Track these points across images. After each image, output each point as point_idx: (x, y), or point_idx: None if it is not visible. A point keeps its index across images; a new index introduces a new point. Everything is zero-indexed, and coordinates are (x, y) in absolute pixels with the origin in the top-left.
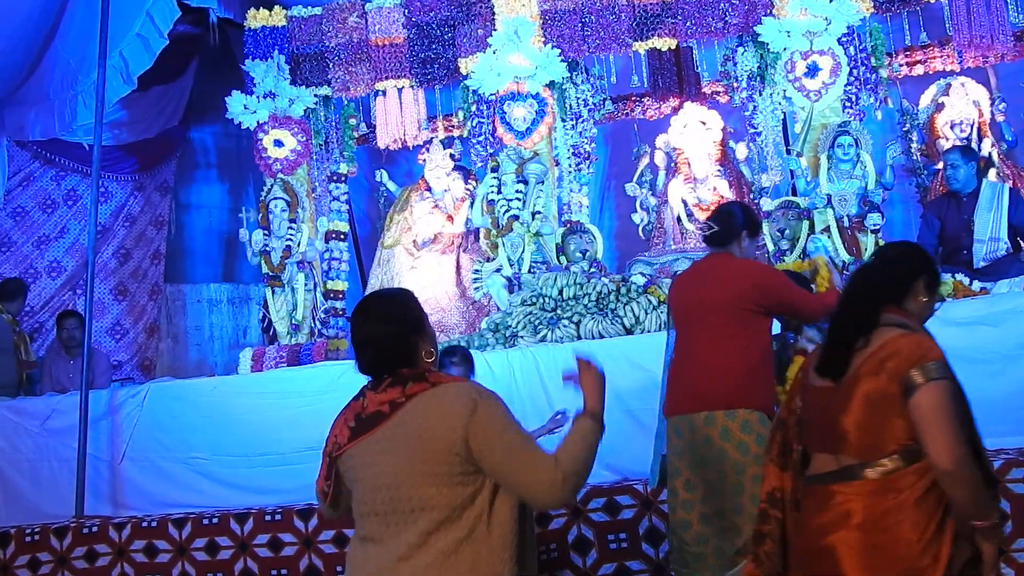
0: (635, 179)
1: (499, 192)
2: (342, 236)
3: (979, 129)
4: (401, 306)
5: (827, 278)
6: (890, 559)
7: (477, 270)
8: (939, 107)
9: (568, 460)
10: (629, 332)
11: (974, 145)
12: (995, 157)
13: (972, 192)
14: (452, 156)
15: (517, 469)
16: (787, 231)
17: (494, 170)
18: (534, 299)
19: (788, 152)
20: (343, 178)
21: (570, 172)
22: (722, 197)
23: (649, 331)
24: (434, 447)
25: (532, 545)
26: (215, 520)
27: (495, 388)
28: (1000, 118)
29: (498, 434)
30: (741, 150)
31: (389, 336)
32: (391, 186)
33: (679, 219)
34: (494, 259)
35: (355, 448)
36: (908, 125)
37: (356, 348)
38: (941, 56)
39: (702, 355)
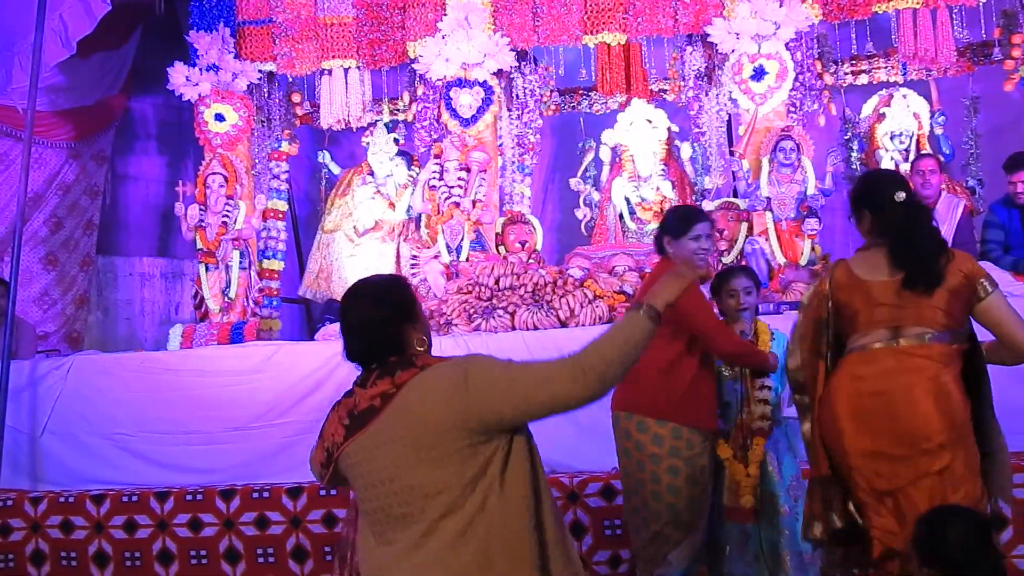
0: (579, 174)
1: (441, 179)
2: (280, 216)
3: (918, 141)
4: (394, 292)
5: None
6: (952, 408)
7: (415, 256)
8: (880, 117)
9: (594, 350)
10: (564, 325)
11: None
12: None
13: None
14: (396, 140)
15: (534, 392)
16: (726, 232)
17: (437, 156)
18: (470, 288)
19: (731, 154)
20: (284, 157)
21: (513, 162)
22: (664, 197)
23: (584, 324)
24: (437, 429)
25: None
26: (134, 498)
27: None
28: (939, 131)
29: (499, 386)
30: (686, 150)
31: (381, 322)
32: (333, 168)
33: (621, 216)
34: (433, 247)
35: (352, 447)
36: (849, 134)
37: (346, 333)
38: (886, 67)
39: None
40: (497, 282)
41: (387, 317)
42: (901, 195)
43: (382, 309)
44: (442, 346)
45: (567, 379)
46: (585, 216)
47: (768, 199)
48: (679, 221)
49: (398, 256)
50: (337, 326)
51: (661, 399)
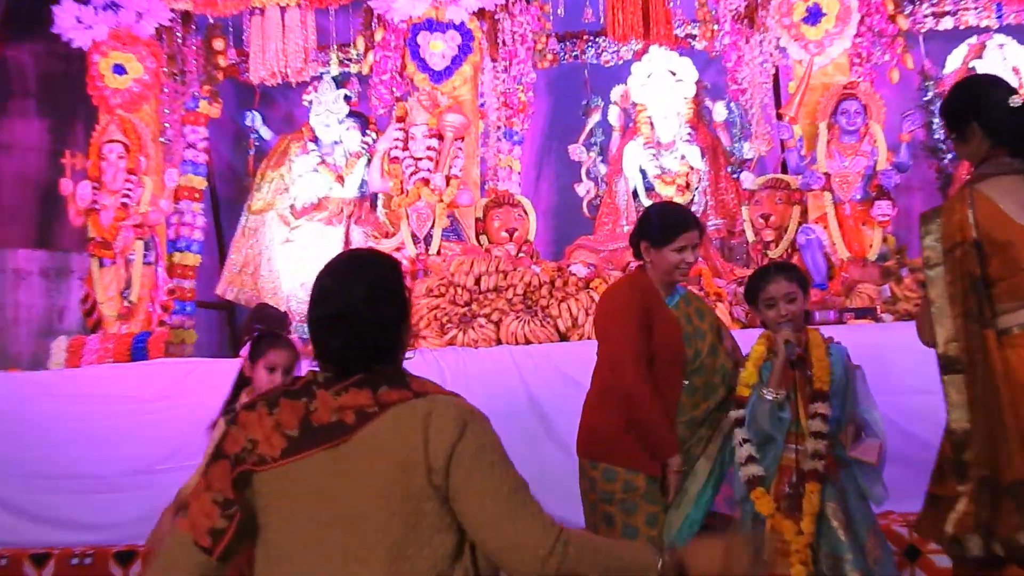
0: (581, 140)
1: (405, 148)
2: (197, 195)
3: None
4: (396, 275)
5: (759, 353)
6: None
7: (371, 246)
8: (969, 72)
9: (579, 546)
10: (564, 338)
11: None
12: None
13: None
14: (347, 98)
15: (499, 520)
16: (772, 218)
17: (400, 120)
18: (443, 289)
19: (779, 117)
20: (203, 120)
21: (499, 128)
22: (691, 169)
23: (590, 337)
24: (413, 477)
25: None
26: (2, 561)
27: None
28: None
29: (485, 468)
30: (719, 111)
31: (379, 313)
32: (265, 133)
33: (635, 194)
34: (394, 235)
35: (295, 465)
36: (931, 93)
37: (318, 323)
38: (976, 8)
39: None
40: (477, 282)
41: (387, 308)
42: (1017, 99)
43: (381, 296)
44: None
45: (531, 549)
46: (589, 194)
47: (827, 175)
48: (663, 227)
49: (347, 243)
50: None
51: (588, 435)
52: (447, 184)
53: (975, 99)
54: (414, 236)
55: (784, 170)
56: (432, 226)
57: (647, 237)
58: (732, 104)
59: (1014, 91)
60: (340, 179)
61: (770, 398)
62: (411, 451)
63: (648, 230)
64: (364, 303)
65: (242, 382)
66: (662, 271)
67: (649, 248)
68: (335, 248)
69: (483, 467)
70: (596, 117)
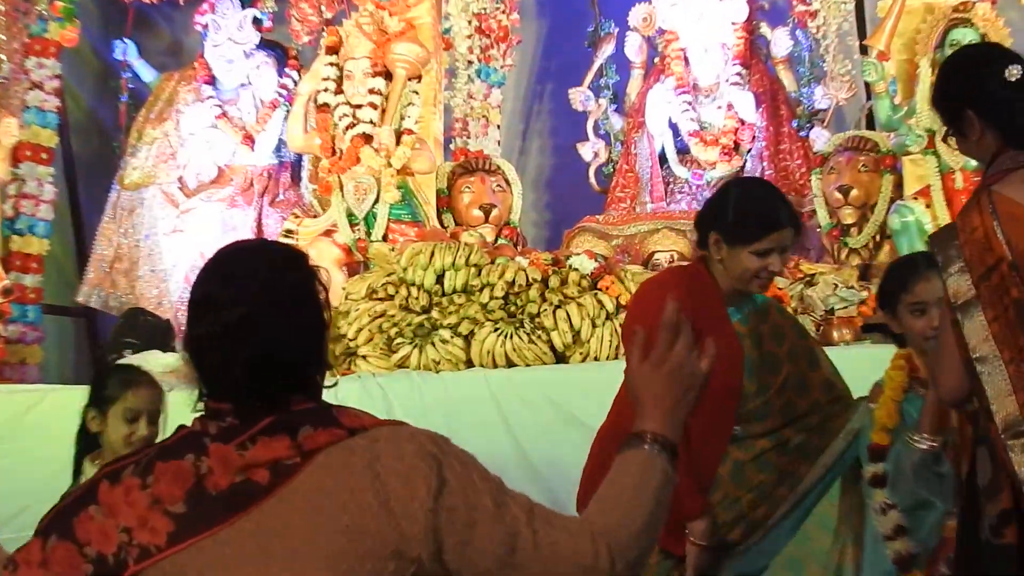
0: (588, 82)
1: (339, 91)
2: (45, 156)
3: None
4: (306, 271)
5: (898, 382)
6: None
7: (289, 232)
8: None
9: (609, 520)
10: (561, 359)
11: None
12: None
13: None
14: (257, 21)
15: (530, 563)
16: (854, 191)
17: (332, 51)
18: (391, 290)
19: (864, 52)
20: (53, 50)
21: (471, 63)
22: (742, 123)
23: (597, 358)
24: (363, 548)
25: None
26: None
27: None
28: None
29: (486, 513)
30: (781, 41)
31: (289, 324)
32: (143, 71)
33: (663, 158)
34: (322, 216)
35: (188, 554)
36: None
37: (202, 343)
38: None
39: None
40: (440, 279)
41: (299, 317)
42: (1016, 69)
43: (291, 300)
44: (338, 394)
45: (589, 556)
46: (597, 158)
47: (930, 133)
48: (745, 220)
49: (259, 231)
50: (150, 358)
51: (588, 489)
52: (397, 142)
53: (965, 80)
54: (351, 217)
55: (871, 125)
56: (376, 201)
57: (720, 228)
58: (799, 32)
59: (1015, 59)
60: (249, 139)
61: (923, 447)
62: (359, 515)
63: (723, 219)
64: (269, 310)
65: (86, 443)
66: (734, 276)
67: (721, 243)
68: (241, 236)
69: (484, 513)
70: (608, 49)
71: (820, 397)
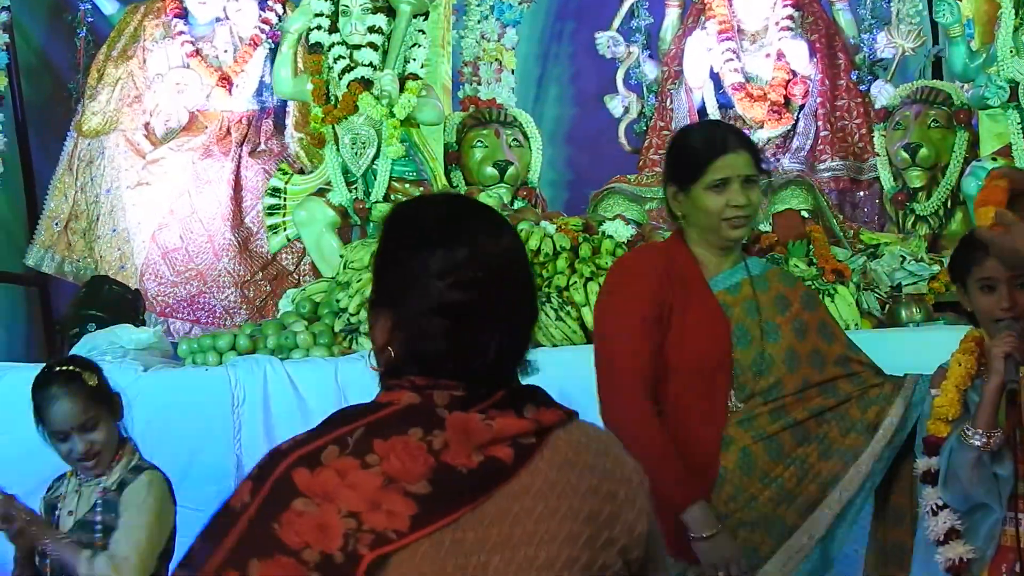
0: (616, 25)
1: (334, 30)
2: None
3: None
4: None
5: (966, 368)
6: None
7: (276, 190)
8: None
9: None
10: (592, 337)
11: None
12: None
13: None
14: None
15: None
16: (923, 151)
17: None
18: None
19: None
20: None
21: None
22: (793, 75)
23: None
24: (601, 539)
25: None
26: None
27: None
28: None
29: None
30: None
31: (533, 300)
32: (104, 3)
33: (704, 112)
34: (312, 171)
35: (431, 539)
36: None
37: (470, 313)
38: None
39: None
40: None
41: (533, 293)
42: None
43: (529, 276)
44: (338, 377)
45: None
46: (628, 113)
47: (1013, 84)
48: (687, 154)
49: (237, 185)
50: (121, 333)
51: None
52: (401, 89)
53: None
54: (346, 173)
55: (939, 75)
56: (376, 156)
57: (671, 178)
58: None
59: None
60: (225, 81)
61: (978, 443)
62: (599, 504)
63: (670, 167)
64: (528, 285)
65: None
66: (704, 227)
67: (677, 193)
68: (217, 192)
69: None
70: None
71: (836, 373)
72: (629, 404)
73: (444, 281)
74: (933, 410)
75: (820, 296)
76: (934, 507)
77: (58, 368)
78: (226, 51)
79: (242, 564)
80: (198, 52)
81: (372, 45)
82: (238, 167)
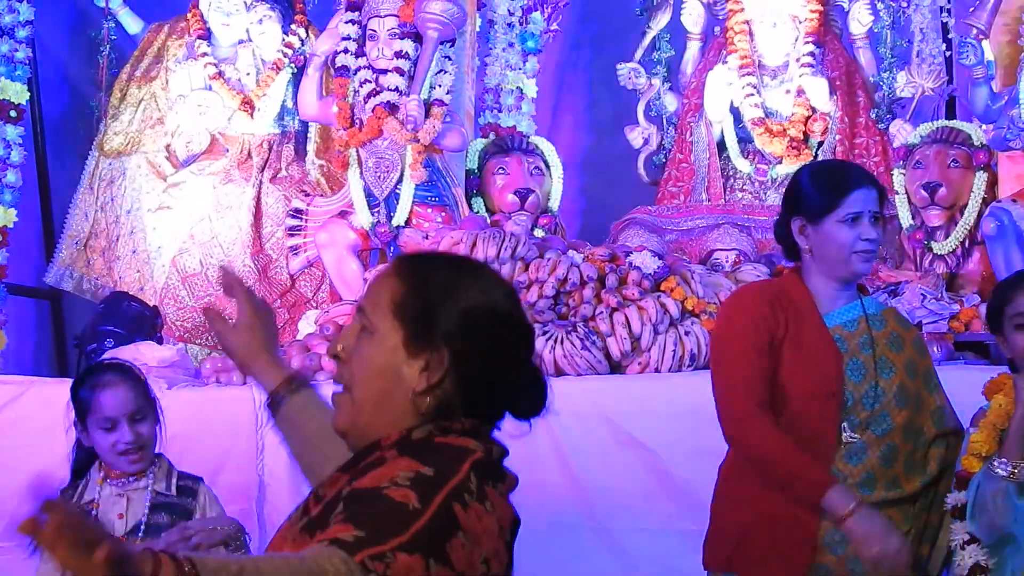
0: (638, 56)
1: (361, 54)
2: (14, 113)
3: None
4: None
5: (1005, 408)
6: None
7: (298, 212)
8: None
9: None
10: (617, 368)
11: None
12: None
13: None
14: None
15: None
16: (943, 190)
17: (353, 7)
18: None
19: (968, 30)
20: None
21: (511, 27)
22: (813, 111)
23: (659, 370)
24: None
25: None
26: None
27: None
28: None
29: None
30: (861, 15)
31: None
32: (128, 22)
33: (723, 146)
34: (334, 193)
35: None
36: None
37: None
38: None
39: None
40: None
41: None
42: None
43: None
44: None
45: None
46: (648, 144)
47: None
48: (820, 189)
49: (257, 211)
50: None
51: (715, 533)
52: (427, 115)
53: None
54: (370, 196)
55: (955, 116)
56: (399, 181)
57: (799, 211)
58: (882, 6)
59: None
60: (248, 104)
61: (1003, 473)
62: None
63: (799, 200)
64: None
65: (86, 453)
66: (833, 260)
67: (806, 226)
68: (237, 218)
69: None
70: (664, 19)
71: (929, 423)
72: (750, 418)
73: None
74: (968, 446)
75: None
76: (962, 542)
77: (108, 362)
78: (248, 74)
79: (425, 554)
80: (220, 74)
81: (398, 70)
82: (259, 193)
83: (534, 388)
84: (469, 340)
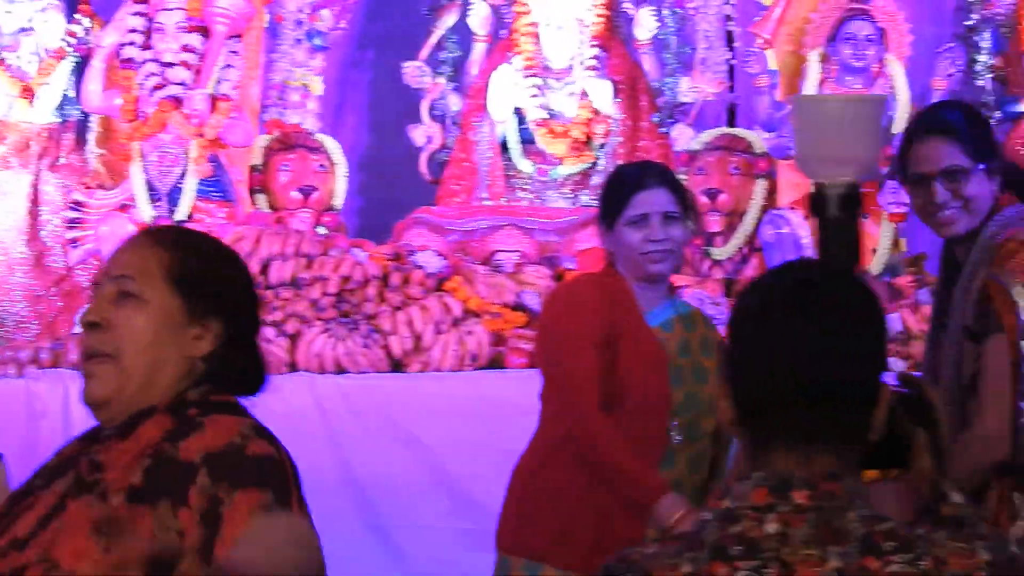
0: (425, 55)
1: (147, 46)
2: None
3: None
4: None
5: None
6: None
7: (78, 203)
8: None
9: None
10: (398, 367)
11: None
12: None
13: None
14: None
15: None
16: (723, 196)
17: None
18: None
19: (752, 39)
20: None
21: (300, 24)
22: (596, 113)
23: (440, 369)
24: None
25: None
26: None
27: None
28: None
29: None
30: (645, 22)
31: None
32: None
33: (506, 147)
34: (115, 186)
35: None
36: (975, 15)
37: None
38: None
39: None
40: (265, 270)
41: None
42: None
43: None
44: None
45: None
46: (431, 143)
47: None
48: (607, 191)
49: (35, 199)
50: None
51: (515, 524)
52: (213, 109)
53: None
54: (153, 190)
55: (735, 123)
56: (183, 175)
57: (600, 215)
58: (668, 12)
59: None
60: (27, 93)
61: None
62: None
63: (600, 204)
64: None
65: None
66: (629, 263)
67: (605, 232)
68: (13, 205)
69: None
70: (450, 19)
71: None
72: (593, 417)
73: None
74: None
75: None
76: None
77: None
78: (30, 62)
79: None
80: (1, 61)
81: (185, 64)
82: (37, 180)
83: (261, 363)
84: (238, 308)
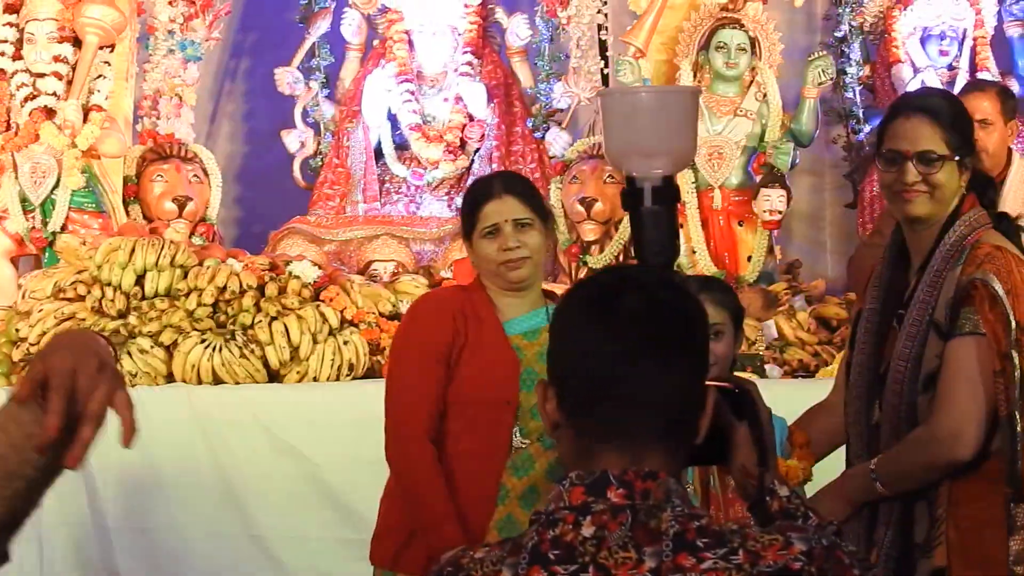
0: (296, 62)
1: (18, 57)
2: None
3: (973, 49)
4: None
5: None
6: None
7: None
8: None
9: None
10: (276, 377)
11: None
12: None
13: None
14: None
15: None
16: (598, 205)
17: (13, 9)
18: (83, 289)
19: (625, 48)
20: None
21: (171, 32)
22: (470, 119)
23: (317, 378)
24: None
25: None
26: None
27: None
28: (1016, 31)
29: None
30: (519, 29)
31: None
32: None
33: (379, 153)
34: None
35: None
36: (844, 24)
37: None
38: None
39: None
40: (140, 280)
41: None
42: None
43: None
44: None
45: None
46: (304, 149)
47: None
48: (462, 207)
49: None
50: None
51: (377, 534)
52: (85, 119)
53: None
54: (25, 201)
55: None
56: (56, 186)
57: (461, 231)
58: (540, 20)
59: None
60: None
61: None
62: None
63: (460, 221)
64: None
65: None
66: (489, 274)
67: (467, 246)
68: None
69: None
70: (323, 26)
71: None
72: (409, 444)
73: None
74: None
75: None
76: None
77: None
78: None
79: None
80: None
81: (57, 74)
82: None
83: None
84: None
